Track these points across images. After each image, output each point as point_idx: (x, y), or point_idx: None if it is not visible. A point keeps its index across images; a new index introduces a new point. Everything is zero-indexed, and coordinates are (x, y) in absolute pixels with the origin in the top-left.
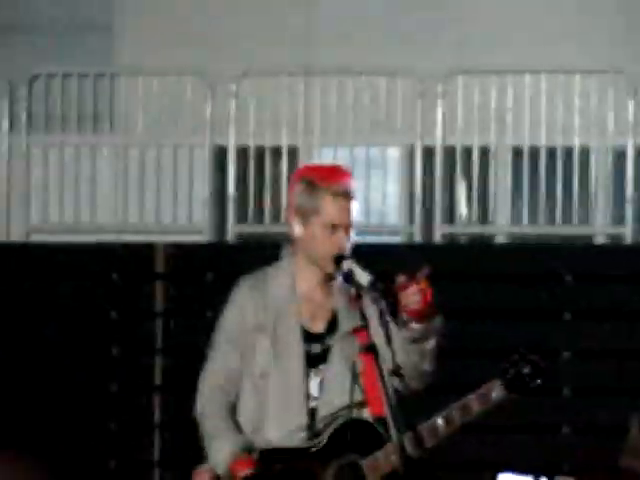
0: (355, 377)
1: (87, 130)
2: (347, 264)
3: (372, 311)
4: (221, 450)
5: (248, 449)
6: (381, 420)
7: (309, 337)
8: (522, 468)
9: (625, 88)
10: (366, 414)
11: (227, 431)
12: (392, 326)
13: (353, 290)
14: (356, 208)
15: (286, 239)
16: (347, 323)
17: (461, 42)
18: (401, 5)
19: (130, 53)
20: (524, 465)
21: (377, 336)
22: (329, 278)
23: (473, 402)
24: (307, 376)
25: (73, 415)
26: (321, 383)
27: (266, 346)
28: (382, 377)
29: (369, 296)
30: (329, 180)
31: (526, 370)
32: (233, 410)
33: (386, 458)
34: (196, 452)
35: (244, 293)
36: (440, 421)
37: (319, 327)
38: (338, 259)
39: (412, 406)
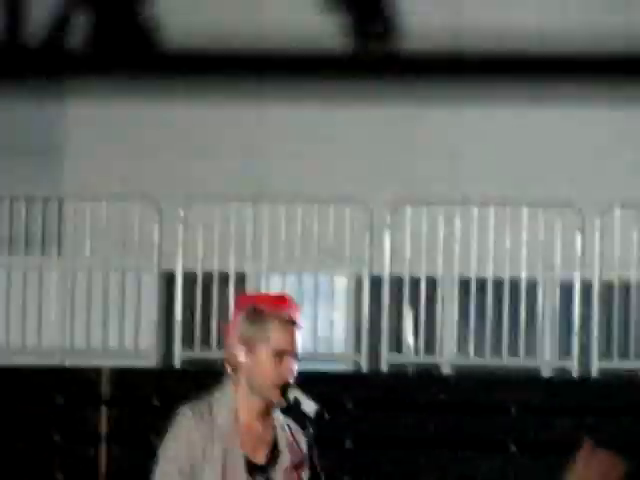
0: None
1: (34, 253)
2: (293, 393)
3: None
4: None
5: None
6: None
7: (253, 468)
8: None
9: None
10: None
11: None
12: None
13: (295, 422)
14: (302, 337)
15: (225, 367)
16: (287, 455)
17: (410, 173)
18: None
19: (80, 178)
20: None
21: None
22: (270, 408)
23: None
24: None
25: None
26: None
27: (215, 477)
28: None
29: (305, 434)
30: (276, 308)
31: None
32: None
33: None
34: None
35: (189, 424)
36: None
37: (261, 458)
38: (284, 388)
39: None
